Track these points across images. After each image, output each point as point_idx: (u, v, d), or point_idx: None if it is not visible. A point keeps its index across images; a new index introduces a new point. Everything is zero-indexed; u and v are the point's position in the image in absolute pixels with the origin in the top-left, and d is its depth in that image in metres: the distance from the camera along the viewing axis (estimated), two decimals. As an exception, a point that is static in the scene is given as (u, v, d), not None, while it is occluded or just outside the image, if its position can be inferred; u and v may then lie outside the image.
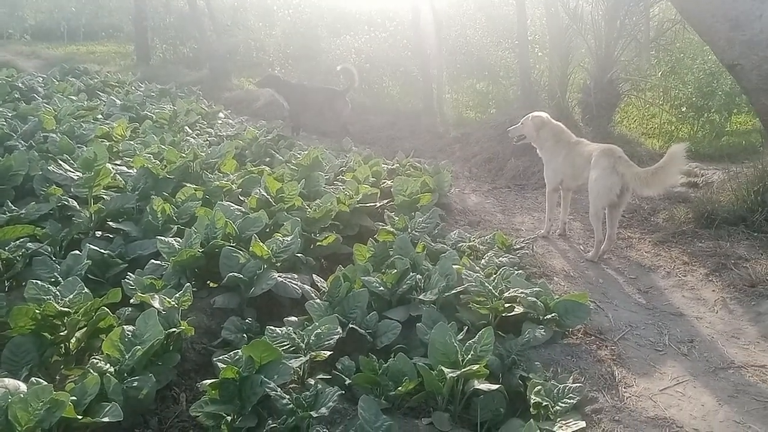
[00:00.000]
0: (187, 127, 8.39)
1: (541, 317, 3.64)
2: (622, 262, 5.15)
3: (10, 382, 2.50)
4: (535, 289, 3.80)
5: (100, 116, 8.49)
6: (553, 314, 3.64)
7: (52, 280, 3.47)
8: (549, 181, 5.65)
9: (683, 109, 9.47)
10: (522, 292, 3.70)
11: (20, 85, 10.50)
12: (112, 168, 5.19)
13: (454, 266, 3.92)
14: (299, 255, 4.19)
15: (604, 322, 4.03)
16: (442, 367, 2.82)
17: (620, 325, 4.01)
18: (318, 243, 4.63)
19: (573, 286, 4.59)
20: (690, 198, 6.26)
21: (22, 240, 3.94)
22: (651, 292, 4.58)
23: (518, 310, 3.63)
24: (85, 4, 24.08)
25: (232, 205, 4.65)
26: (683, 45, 10.91)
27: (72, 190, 4.83)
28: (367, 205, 5.44)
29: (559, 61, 9.55)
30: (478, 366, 2.81)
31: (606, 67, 8.77)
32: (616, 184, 4.84)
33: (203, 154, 6.03)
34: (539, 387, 2.92)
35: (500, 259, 4.45)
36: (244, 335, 3.35)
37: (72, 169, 5.10)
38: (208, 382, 2.68)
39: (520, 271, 4.22)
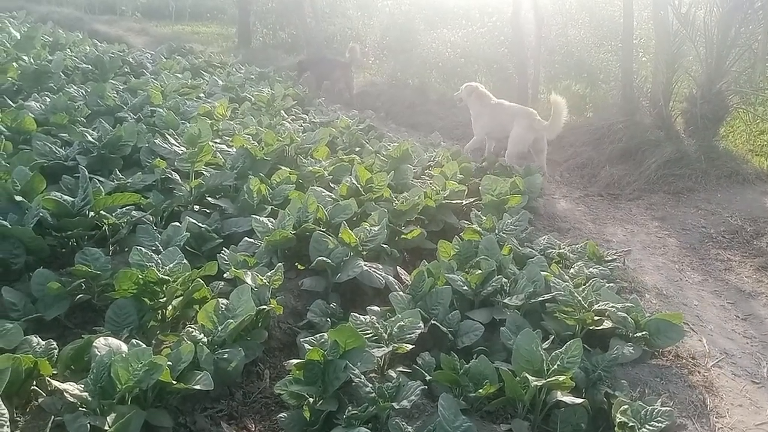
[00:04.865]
0: (283, 111, 8.61)
1: (630, 334, 3.51)
2: (720, 285, 4.87)
3: (113, 341, 2.65)
4: (626, 304, 3.65)
5: (202, 95, 8.88)
6: (643, 332, 3.50)
7: (153, 248, 3.65)
8: (477, 133, 7.83)
9: (797, 128, 8.82)
10: (612, 306, 3.57)
11: (131, 60, 11.07)
12: (213, 146, 5.41)
13: (542, 273, 3.83)
14: (384, 246, 4.21)
15: (697, 347, 3.83)
16: (526, 375, 2.77)
17: (715, 351, 3.81)
18: (402, 236, 4.64)
19: (665, 306, 4.39)
20: (800, 224, 5.85)
21: (128, 207, 4.16)
22: (750, 319, 4.31)
23: (607, 324, 3.52)
24: (193, -15, 25.13)
25: (324, 191, 4.74)
26: (804, 58, 10.14)
27: (175, 163, 5.06)
28: (453, 201, 5.42)
29: (664, 67, 9.08)
30: (564, 377, 2.74)
31: (715, 78, 8.28)
32: (530, 138, 7.11)
33: (299, 139, 6.17)
34: (626, 407, 2.81)
35: (590, 270, 4.30)
36: (328, 319, 3.42)
37: (177, 144, 5.34)
38: (294, 362, 2.74)
39: (611, 284, 4.07)
